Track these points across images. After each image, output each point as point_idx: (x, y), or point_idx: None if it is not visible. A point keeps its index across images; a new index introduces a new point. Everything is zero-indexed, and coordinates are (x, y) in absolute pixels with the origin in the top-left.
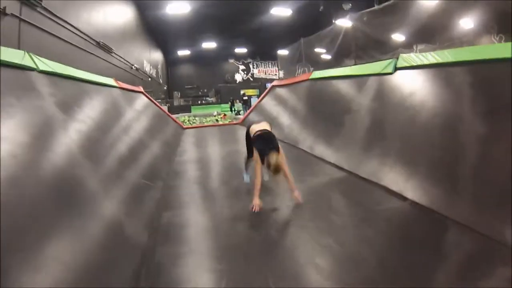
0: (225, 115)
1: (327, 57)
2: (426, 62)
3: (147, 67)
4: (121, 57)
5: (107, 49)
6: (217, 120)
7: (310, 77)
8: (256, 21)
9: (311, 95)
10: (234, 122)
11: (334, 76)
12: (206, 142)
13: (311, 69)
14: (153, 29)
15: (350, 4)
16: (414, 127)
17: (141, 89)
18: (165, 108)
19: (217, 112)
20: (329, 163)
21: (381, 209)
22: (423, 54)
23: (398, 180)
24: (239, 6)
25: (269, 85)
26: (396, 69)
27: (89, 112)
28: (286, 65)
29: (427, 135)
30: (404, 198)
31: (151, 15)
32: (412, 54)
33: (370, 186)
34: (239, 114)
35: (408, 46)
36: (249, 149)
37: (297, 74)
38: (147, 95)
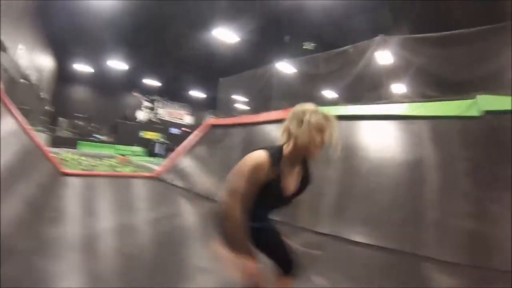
0: (127, 158)
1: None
2: None
3: (23, 59)
4: None
5: None
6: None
7: None
8: (187, 45)
9: None
10: (144, 174)
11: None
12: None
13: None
14: (50, 23)
15: (313, 45)
16: None
17: None
18: (41, 136)
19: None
20: None
21: None
22: None
23: None
24: (174, 17)
25: (173, 130)
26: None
27: None
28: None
29: None
30: None
31: (50, 3)
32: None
33: None
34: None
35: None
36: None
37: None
38: (6, 101)
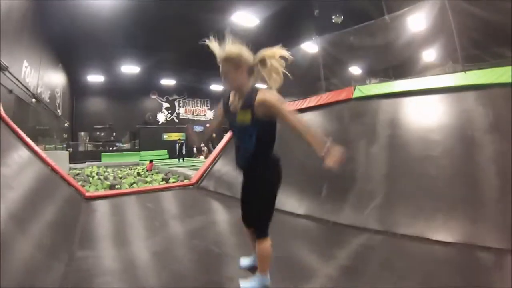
0: (151, 163)
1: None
2: None
3: (31, 78)
4: None
5: None
6: (139, 175)
7: (354, 96)
8: (203, 36)
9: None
10: (181, 183)
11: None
12: None
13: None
14: (54, 35)
15: (342, 17)
16: None
17: None
18: (63, 155)
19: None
20: None
21: None
22: None
23: None
24: (184, 10)
25: (196, 128)
26: None
27: None
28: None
29: None
30: None
31: (51, 13)
32: None
33: None
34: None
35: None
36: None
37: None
38: (10, 123)
